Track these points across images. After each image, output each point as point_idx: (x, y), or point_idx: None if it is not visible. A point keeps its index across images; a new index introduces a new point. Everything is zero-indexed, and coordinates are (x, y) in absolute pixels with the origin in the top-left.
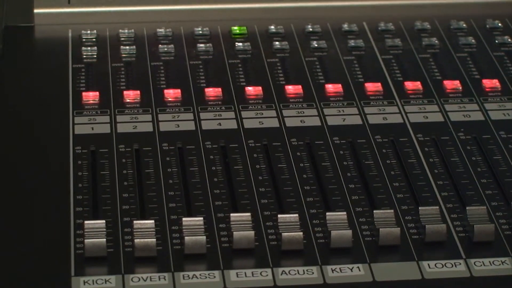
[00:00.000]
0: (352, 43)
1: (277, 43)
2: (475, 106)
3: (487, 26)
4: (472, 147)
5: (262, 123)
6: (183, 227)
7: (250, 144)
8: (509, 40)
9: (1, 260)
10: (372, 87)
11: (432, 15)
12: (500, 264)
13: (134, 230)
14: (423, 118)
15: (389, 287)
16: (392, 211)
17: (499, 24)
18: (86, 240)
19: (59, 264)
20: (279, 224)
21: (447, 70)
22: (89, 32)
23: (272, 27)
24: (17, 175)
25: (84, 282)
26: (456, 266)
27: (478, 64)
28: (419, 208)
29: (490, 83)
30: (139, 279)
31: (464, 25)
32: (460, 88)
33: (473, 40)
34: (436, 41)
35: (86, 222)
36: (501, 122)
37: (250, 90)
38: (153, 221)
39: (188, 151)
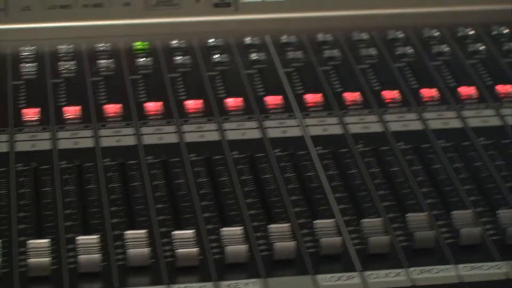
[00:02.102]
0: (253, 56)
1: (178, 57)
2: (375, 118)
3: (388, 37)
4: (370, 159)
5: (162, 139)
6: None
7: (148, 161)
8: (410, 50)
9: None
10: (273, 100)
11: (334, 27)
12: (395, 276)
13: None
14: (323, 131)
15: None
16: (289, 224)
17: (401, 35)
18: (30, 260)
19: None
20: (173, 240)
21: (347, 82)
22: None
23: (174, 41)
24: None
25: None
26: (351, 279)
27: (379, 75)
28: (315, 221)
29: (390, 94)
30: None
31: (366, 36)
32: (360, 100)
33: (374, 52)
34: (338, 53)
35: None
36: (399, 133)
37: (151, 105)
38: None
39: (127, 166)
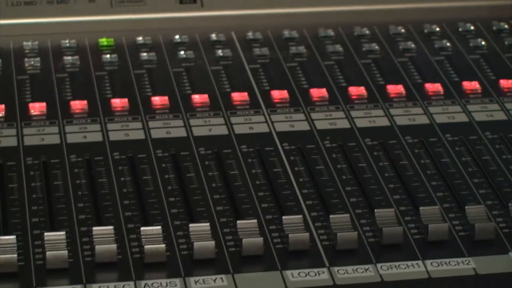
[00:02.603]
0: (219, 53)
1: (144, 54)
2: (341, 114)
3: (355, 33)
4: (338, 155)
5: (128, 135)
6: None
7: (115, 157)
8: (376, 47)
9: None
10: (239, 97)
11: (300, 23)
12: (363, 272)
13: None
14: (290, 127)
15: None
16: (255, 220)
17: (367, 32)
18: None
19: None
20: (140, 236)
21: (314, 78)
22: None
23: (140, 38)
24: None
25: None
26: (319, 275)
27: (344, 71)
28: (283, 217)
29: (357, 91)
30: None
31: (332, 33)
32: (327, 96)
33: (340, 48)
34: (304, 50)
35: None
36: (365, 129)
37: (117, 102)
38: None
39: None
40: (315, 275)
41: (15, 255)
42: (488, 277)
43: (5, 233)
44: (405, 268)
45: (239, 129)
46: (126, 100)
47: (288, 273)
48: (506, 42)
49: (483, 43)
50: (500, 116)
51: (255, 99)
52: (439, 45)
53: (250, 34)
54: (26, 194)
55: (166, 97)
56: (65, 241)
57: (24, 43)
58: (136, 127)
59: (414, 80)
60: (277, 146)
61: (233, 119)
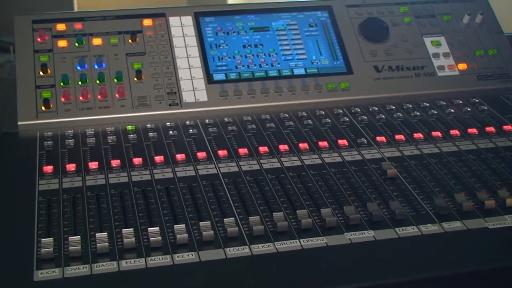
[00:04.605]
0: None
1: (151, 134)
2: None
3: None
4: None
5: (142, 177)
6: None
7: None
8: None
9: None
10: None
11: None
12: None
13: None
14: None
15: None
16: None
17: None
18: None
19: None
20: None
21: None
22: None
23: (149, 125)
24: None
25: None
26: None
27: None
28: None
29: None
30: None
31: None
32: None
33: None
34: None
35: None
36: None
37: (136, 160)
38: None
39: None
40: None
41: (79, 247)
42: None
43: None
44: None
45: None
46: (141, 158)
47: None
48: None
49: None
50: None
51: None
52: None
53: None
54: (86, 212)
55: (163, 156)
56: (107, 237)
57: (86, 130)
58: (147, 172)
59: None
60: None
61: None
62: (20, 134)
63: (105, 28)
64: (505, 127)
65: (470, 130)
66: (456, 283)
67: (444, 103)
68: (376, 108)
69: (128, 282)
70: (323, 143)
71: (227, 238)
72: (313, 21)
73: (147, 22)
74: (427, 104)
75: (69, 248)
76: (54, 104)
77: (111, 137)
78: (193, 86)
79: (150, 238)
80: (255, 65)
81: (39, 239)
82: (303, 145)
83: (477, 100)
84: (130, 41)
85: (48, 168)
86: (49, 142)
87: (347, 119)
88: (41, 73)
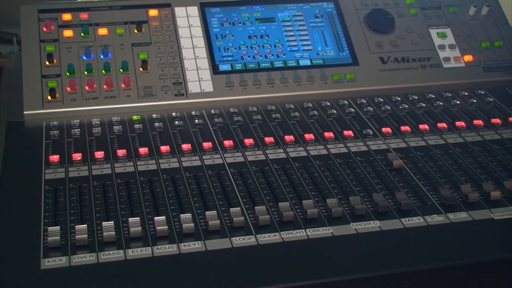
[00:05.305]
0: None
1: (156, 124)
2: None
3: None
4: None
5: (147, 167)
6: None
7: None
8: None
9: None
10: None
11: None
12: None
13: None
14: None
15: None
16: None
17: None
18: None
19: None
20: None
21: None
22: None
23: (154, 115)
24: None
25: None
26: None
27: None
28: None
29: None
30: None
31: None
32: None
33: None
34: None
35: None
36: None
37: (142, 150)
38: None
39: None
40: None
41: (86, 236)
42: None
43: (81, 222)
44: None
45: None
46: (147, 148)
47: None
48: None
49: None
50: None
51: None
52: None
53: None
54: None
55: (168, 146)
56: (113, 226)
57: (92, 119)
58: (153, 162)
59: None
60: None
61: None
62: (26, 123)
63: (110, 18)
64: (511, 119)
65: (475, 122)
66: (461, 273)
67: (450, 94)
68: (382, 100)
69: (135, 271)
70: (328, 134)
71: (233, 228)
72: (319, 12)
73: (153, 12)
74: (433, 96)
75: (76, 236)
76: (60, 93)
77: (116, 127)
78: (198, 76)
79: (156, 227)
80: (260, 56)
81: (45, 227)
82: (308, 136)
83: (482, 92)
84: (135, 31)
85: (54, 157)
86: (55, 131)
87: (353, 110)
88: (47, 62)
